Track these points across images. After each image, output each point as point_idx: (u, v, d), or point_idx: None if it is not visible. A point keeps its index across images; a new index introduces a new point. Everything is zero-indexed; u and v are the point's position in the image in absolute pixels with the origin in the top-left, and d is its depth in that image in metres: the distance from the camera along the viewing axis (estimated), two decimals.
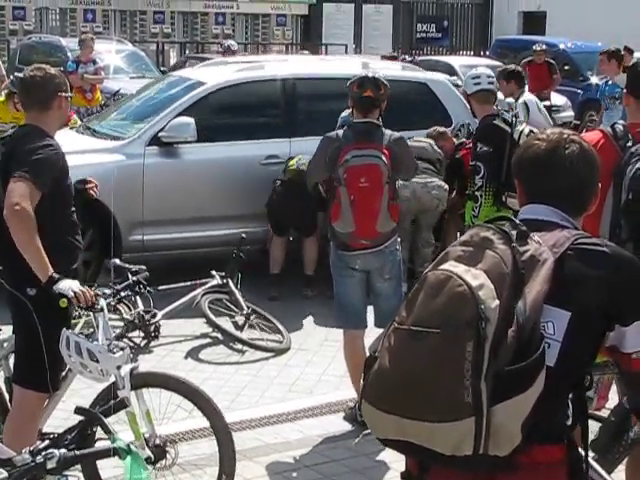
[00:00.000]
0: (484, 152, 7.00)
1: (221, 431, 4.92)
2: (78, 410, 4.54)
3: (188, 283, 7.87)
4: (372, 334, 6.41)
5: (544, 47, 17.01)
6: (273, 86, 9.52)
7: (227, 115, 9.68)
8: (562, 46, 21.19)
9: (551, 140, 2.85)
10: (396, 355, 2.58)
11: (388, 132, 6.23)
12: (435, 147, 8.99)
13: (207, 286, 7.87)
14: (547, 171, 2.83)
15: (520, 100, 10.38)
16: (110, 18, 31.50)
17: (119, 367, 4.59)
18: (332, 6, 32.75)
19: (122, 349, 4.66)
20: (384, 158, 6.01)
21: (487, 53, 24.07)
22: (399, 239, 6.40)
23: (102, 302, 4.72)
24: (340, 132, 6.26)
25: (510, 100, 9.94)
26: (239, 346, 7.60)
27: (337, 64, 11.12)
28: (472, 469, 2.56)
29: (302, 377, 7.12)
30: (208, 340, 7.83)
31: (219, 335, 7.75)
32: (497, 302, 2.51)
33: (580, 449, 2.75)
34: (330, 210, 6.20)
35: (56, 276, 4.58)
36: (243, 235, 8.29)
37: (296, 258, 9.02)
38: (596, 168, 2.89)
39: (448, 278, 2.55)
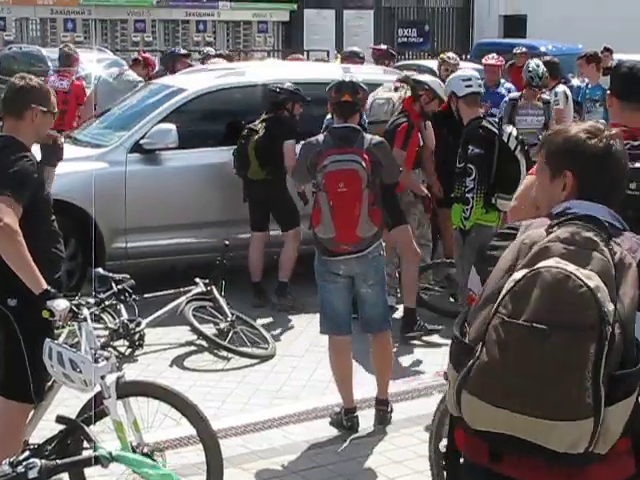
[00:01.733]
0: (476, 154, 6.98)
1: (208, 439, 4.89)
2: (60, 419, 4.50)
3: (172, 291, 7.83)
4: (359, 339, 6.42)
5: (525, 50, 17.02)
6: (254, 92, 9.51)
7: (209, 121, 9.67)
8: (543, 49, 21.21)
9: (603, 135, 2.88)
10: (511, 350, 2.57)
11: (368, 136, 6.23)
12: None
13: (191, 294, 7.84)
14: (608, 167, 2.86)
15: (559, 89, 11.12)
16: (91, 27, 31.46)
17: (103, 377, 4.57)
18: (313, 12, 32.78)
19: (107, 358, 4.64)
20: (363, 163, 5.97)
21: (469, 57, 24.10)
22: (383, 244, 6.38)
23: (85, 312, 4.69)
24: (320, 137, 6.24)
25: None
26: (224, 353, 7.57)
27: (317, 69, 11.12)
28: (572, 464, 2.63)
29: (288, 383, 7.09)
30: (193, 348, 7.79)
31: (204, 342, 7.72)
32: (612, 305, 2.56)
33: None
34: (311, 216, 6.18)
35: (52, 291, 4.57)
36: (226, 242, 8.26)
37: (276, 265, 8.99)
38: None
39: (567, 277, 2.57)
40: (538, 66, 10.45)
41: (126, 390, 4.72)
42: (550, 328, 2.54)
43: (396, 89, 8.67)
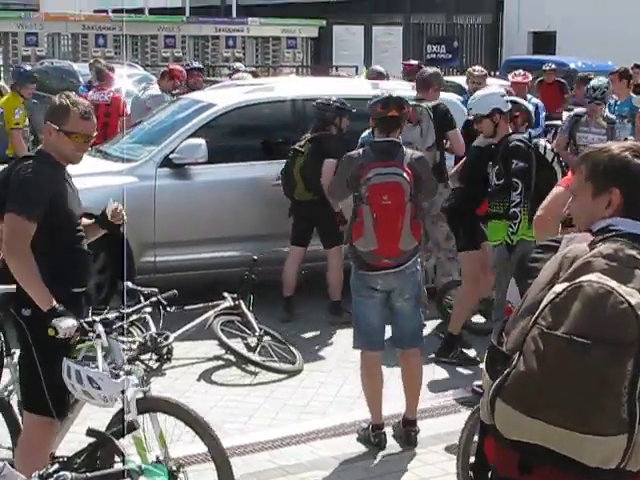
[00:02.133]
0: (520, 168, 6.98)
1: (218, 457, 4.85)
2: (90, 432, 4.51)
3: (200, 305, 7.85)
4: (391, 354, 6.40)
5: (554, 66, 16.99)
6: (283, 107, 9.55)
7: (238, 136, 9.70)
8: (572, 65, 21.16)
9: None
10: (549, 361, 2.58)
11: (409, 151, 6.27)
12: None
13: (219, 308, 7.85)
14: None
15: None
16: (121, 43, 31.66)
17: (123, 392, 4.56)
18: (342, 28, 32.87)
19: (128, 373, 4.63)
20: (406, 176, 6.02)
21: (497, 73, 24.06)
22: (419, 259, 6.41)
23: (99, 328, 4.66)
24: (361, 151, 6.28)
25: None
26: (252, 368, 7.57)
27: (346, 85, 11.13)
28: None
29: (315, 398, 7.08)
30: (221, 362, 7.80)
31: (232, 357, 7.72)
32: None
33: None
34: (351, 229, 6.18)
35: (59, 309, 4.57)
36: (255, 257, 8.27)
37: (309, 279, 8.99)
38: None
39: (608, 293, 2.58)
40: (600, 81, 10.42)
41: (144, 406, 4.72)
42: (591, 342, 2.54)
43: None
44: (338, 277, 8.75)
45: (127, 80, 18.68)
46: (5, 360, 5.06)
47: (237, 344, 7.74)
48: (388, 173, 6.02)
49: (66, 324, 4.52)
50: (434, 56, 33.32)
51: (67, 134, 4.76)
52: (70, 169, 4.99)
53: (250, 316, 7.91)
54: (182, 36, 31.85)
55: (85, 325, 4.61)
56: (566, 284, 2.64)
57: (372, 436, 6.19)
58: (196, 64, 14.53)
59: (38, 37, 29.25)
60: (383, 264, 6.07)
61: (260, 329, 7.83)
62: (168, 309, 5.58)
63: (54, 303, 4.57)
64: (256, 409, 6.84)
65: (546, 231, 4.38)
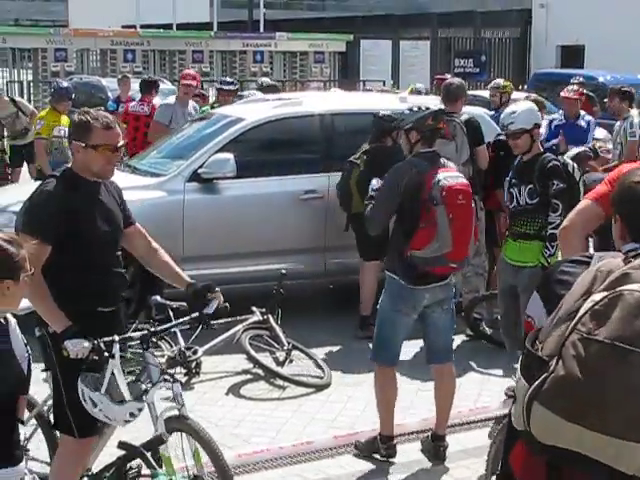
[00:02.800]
0: (561, 189, 6.85)
1: (222, 473, 4.77)
2: (121, 445, 4.51)
3: (229, 319, 7.85)
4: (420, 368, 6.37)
5: (582, 80, 16.94)
6: (311, 122, 9.56)
7: (266, 151, 9.72)
8: (601, 79, 21.08)
9: None
10: (589, 366, 2.58)
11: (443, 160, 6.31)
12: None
13: (248, 322, 7.87)
14: None
15: (636, 119, 11.27)
16: (150, 58, 31.87)
17: (132, 414, 4.57)
18: (369, 42, 32.93)
19: (144, 391, 4.60)
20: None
21: (525, 87, 24.01)
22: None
23: (115, 348, 4.59)
24: (409, 161, 6.21)
25: None
26: (280, 382, 7.57)
27: (374, 99, 11.13)
28: None
29: (343, 413, 7.07)
30: (249, 376, 7.80)
31: (260, 371, 7.73)
32: None
33: None
34: (411, 238, 6.02)
35: (71, 330, 4.51)
36: (283, 271, 8.27)
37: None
38: None
39: None
40: None
41: (175, 425, 4.71)
42: (632, 349, 2.54)
43: None
44: (371, 292, 8.71)
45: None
46: (46, 374, 5.04)
47: (265, 358, 7.75)
48: (454, 176, 6.09)
49: (77, 345, 4.46)
50: (462, 70, 33.30)
51: (94, 148, 4.75)
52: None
53: (278, 330, 7.92)
54: (210, 51, 32.03)
55: (101, 345, 4.51)
56: (605, 293, 2.65)
57: (382, 448, 6.16)
58: (228, 80, 14.55)
59: (67, 53, 29.49)
60: (448, 269, 6.08)
61: (288, 343, 7.83)
62: (212, 326, 5.41)
63: (66, 324, 4.53)
64: (284, 423, 6.84)
65: (571, 244, 4.37)
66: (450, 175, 6.07)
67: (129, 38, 31.53)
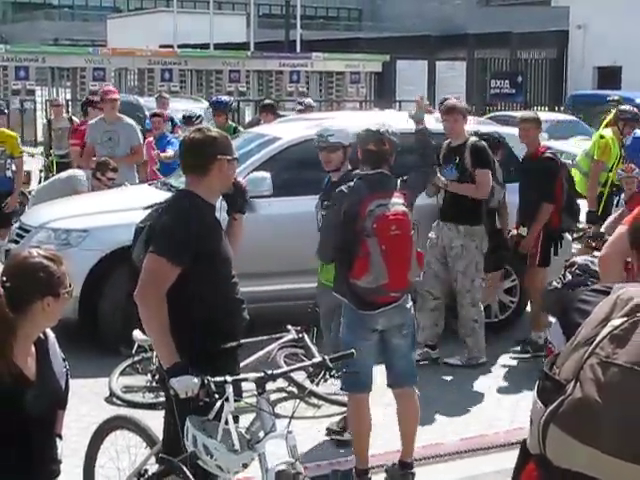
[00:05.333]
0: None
1: None
2: (160, 460, 4.49)
3: (264, 337, 7.87)
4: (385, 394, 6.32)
5: (617, 98, 16.87)
6: None
7: (302, 170, 9.74)
8: (638, 100, 20.98)
9: None
10: (608, 389, 2.55)
11: (395, 179, 6.12)
12: None
13: (283, 340, 7.87)
14: None
15: None
16: (187, 77, 32.12)
17: (245, 465, 4.32)
18: (405, 63, 33.00)
19: (253, 445, 4.30)
20: (405, 204, 5.89)
21: (562, 108, 23.96)
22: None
23: (229, 390, 4.26)
24: (351, 184, 6.05)
25: None
26: (315, 401, 7.57)
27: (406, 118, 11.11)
28: None
29: (379, 432, 7.04)
30: (284, 394, 7.80)
31: (295, 389, 7.73)
32: None
33: None
34: (351, 267, 5.88)
35: (179, 367, 4.32)
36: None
37: None
38: None
39: None
40: None
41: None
42: None
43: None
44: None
45: None
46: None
47: (300, 377, 7.74)
48: (390, 204, 5.84)
49: (184, 384, 4.23)
50: (498, 91, 33.32)
51: (236, 160, 4.81)
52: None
53: (314, 349, 7.91)
54: (246, 70, 32.25)
55: (212, 385, 4.23)
56: (625, 318, 2.63)
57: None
58: (267, 101, 14.60)
59: (105, 72, 29.84)
60: (390, 299, 5.89)
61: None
62: (334, 374, 5.00)
63: (176, 360, 4.34)
64: (319, 442, 6.83)
65: (611, 271, 4.34)
66: (385, 203, 5.82)
67: (167, 57, 31.82)
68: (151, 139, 13.20)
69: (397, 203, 5.86)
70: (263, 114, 12.98)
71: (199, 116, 13.45)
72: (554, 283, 4.38)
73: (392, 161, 6.15)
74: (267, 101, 15.10)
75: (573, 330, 2.81)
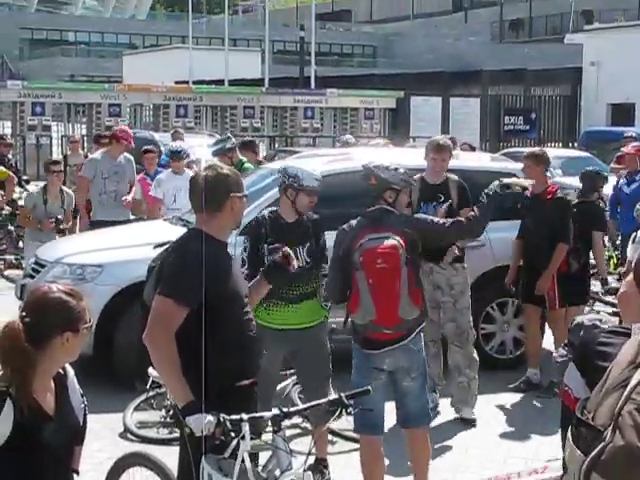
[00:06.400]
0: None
1: None
2: None
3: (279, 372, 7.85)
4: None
5: (633, 134, 16.90)
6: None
7: (319, 206, 9.75)
8: None
9: None
10: None
11: (399, 214, 6.10)
12: None
13: (297, 376, 7.85)
14: None
15: None
16: (202, 113, 32.29)
17: None
18: (419, 99, 33.11)
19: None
20: (400, 239, 5.80)
21: (575, 145, 23.99)
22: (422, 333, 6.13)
23: (245, 428, 4.21)
24: (352, 222, 6.14)
25: None
26: (329, 437, 7.54)
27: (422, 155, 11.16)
28: None
29: (394, 470, 7.02)
30: (298, 430, 7.79)
31: (309, 425, 7.71)
32: None
33: None
34: (349, 302, 5.94)
35: (193, 404, 4.26)
36: (333, 325, 8.26)
37: None
38: None
39: None
40: None
41: None
42: None
43: None
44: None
45: (207, 150, 19.01)
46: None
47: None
48: (380, 237, 5.82)
49: (200, 422, 4.17)
50: (511, 127, 33.39)
51: (246, 197, 4.83)
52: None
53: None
54: (261, 106, 32.39)
55: (227, 423, 4.19)
56: None
57: None
58: (247, 139, 14.68)
59: (121, 108, 30.02)
60: (385, 336, 5.82)
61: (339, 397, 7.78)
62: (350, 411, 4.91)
63: (190, 399, 4.28)
64: (334, 478, 6.81)
65: (632, 308, 4.32)
66: (378, 237, 5.81)
67: (182, 93, 32.02)
68: (142, 175, 12.90)
69: (389, 236, 5.81)
70: (243, 151, 12.79)
71: (186, 151, 13.27)
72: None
73: (387, 196, 6.12)
74: (247, 139, 15.16)
75: (594, 374, 2.80)
